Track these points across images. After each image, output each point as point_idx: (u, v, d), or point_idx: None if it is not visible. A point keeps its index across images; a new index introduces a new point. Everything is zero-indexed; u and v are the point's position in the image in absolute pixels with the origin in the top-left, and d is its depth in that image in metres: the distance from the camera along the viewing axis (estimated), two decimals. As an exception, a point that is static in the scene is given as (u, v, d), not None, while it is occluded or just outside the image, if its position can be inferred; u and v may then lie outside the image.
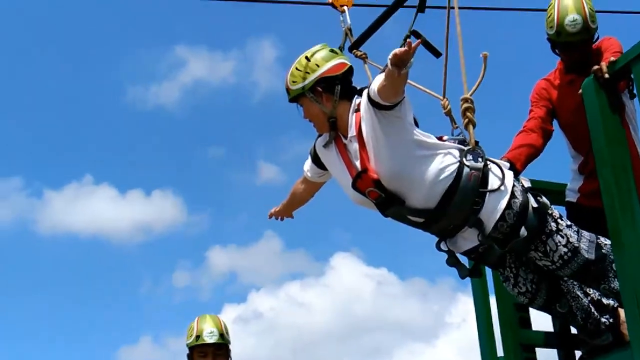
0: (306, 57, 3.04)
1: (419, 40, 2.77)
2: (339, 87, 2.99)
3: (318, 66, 3.01)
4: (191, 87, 18.37)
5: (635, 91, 3.17)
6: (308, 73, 3.00)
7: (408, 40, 2.69)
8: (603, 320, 3.12)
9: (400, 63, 2.66)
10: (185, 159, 18.33)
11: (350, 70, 3.06)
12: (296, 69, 3.04)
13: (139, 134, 18.22)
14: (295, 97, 3.05)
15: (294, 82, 3.03)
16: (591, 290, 3.13)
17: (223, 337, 3.89)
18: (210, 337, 3.85)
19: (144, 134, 18.26)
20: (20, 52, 17.15)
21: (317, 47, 3.08)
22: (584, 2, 3.50)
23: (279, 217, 3.51)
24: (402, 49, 2.66)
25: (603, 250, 2.99)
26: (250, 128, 18.49)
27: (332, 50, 3.08)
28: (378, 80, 2.82)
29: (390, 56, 2.68)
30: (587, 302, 3.12)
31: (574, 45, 3.53)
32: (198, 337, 3.88)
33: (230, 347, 3.98)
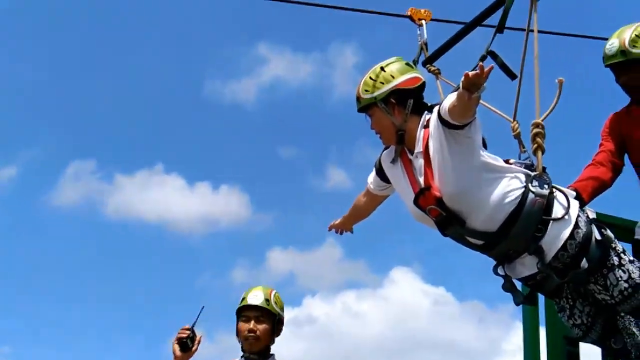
0: (381, 68, 3.03)
1: (491, 66, 2.73)
2: (411, 101, 2.99)
3: (393, 77, 3.00)
4: (269, 85, 18.56)
5: None
6: (382, 83, 2.99)
7: (480, 64, 2.65)
8: None
9: (472, 87, 2.64)
10: (256, 157, 18.51)
11: (423, 86, 3.05)
12: (370, 78, 3.03)
13: (213, 128, 18.50)
14: (366, 107, 3.04)
15: (366, 91, 3.02)
16: None
17: (268, 302, 3.66)
18: (253, 299, 3.67)
19: (218, 128, 18.53)
20: (108, 40, 17.63)
21: (393, 59, 3.08)
22: (632, 27, 3.54)
23: (339, 231, 3.53)
24: (475, 72, 2.63)
25: None
26: (324, 131, 18.54)
27: (407, 64, 3.08)
28: (450, 99, 2.80)
29: (462, 78, 2.65)
30: None
31: (613, 68, 3.57)
32: (243, 299, 3.72)
33: (282, 327, 3.75)
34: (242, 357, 3.70)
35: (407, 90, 2.99)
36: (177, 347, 3.47)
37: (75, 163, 17.96)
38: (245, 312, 3.67)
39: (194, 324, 3.54)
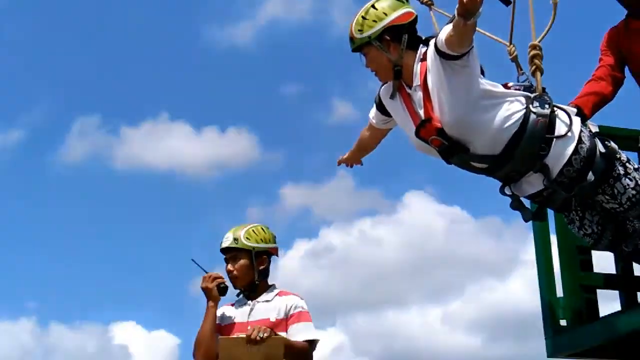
0: (372, 5, 3.00)
1: None
2: (406, 37, 2.97)
3: (385, 15, 2.98)
4: (267, 26, 18.39)
5: None
6: (375, 21, 2.97)
7: None
8: None
9: (468, 13, 2.63)
10: (260, 97, 18.46)
11: (415, 20, 3.04)
12: (362, 17, 2.99)
13: (215, 73, 18.43)
14: (360, 46, 3.02)
15: (359, 30, 2.99)
16: None
17: (237, 241, 3.79)
18: (223, 243, 3.83)
19: (219, 72, 18.46)
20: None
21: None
22: None
23: (349, 164, 3.56)
24: None
25: None
26: (325, 66, 18.41)
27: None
28: (446, 30, 2.81)
29: (457, 5, 2.65)
30: None
31: None
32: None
33: (273, 255, 3.90)
34: (237, 294, 3.89)
35: (400, 26, 2.98)
36: (216, 292, 3.73)
37: (80, 120, 18.15)
38: (224, 256, 3.86)
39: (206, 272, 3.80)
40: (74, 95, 18.24)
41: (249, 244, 3.80)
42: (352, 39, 3.05)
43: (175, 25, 18.25)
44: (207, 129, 18.84)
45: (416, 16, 3.06)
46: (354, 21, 3.03)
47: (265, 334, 3.49)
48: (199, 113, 18.67)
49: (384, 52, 2.99)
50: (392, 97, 3.09)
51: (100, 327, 15.52)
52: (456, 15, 2.68)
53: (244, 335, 3.53)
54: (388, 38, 2.99)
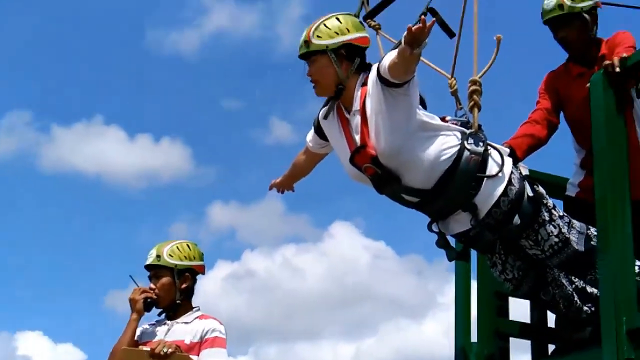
0: (337, 19, 3.00)
1: (433, 20, 2.74)
2: (358, 60, 2.98)
3: (348, 31, 2.97)
4: (213, 36, 18.22)
5: None
6: (337, 34, 2.96)
7: (422, 17, 2.64)
8: (585, 308, 3.15)
9: (414, 42, 2.63)
10: (199, 109, 18.24)
11: (367, 47, 3.05)
12: (324, 25, 2.98)
13: (155, 79, 18.15)
14: (312, 53, 2.98)
15: (319, 37, 2.96)
16: (576, 278, 3.16)
17: (159, 258, 3.71)
18: (147, 259, 3.76)
19: (160, 79, 18.19)
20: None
21: (346, 13, 3.06)
22: None
23: (280, 190, 3.51)
24: (417, 26, 2.61)
25: (592, 242, 3.01)
26: (268, 84, 18.35)
27: (360, 22, 3.08)
28: (390, 57, 2.79)
29: (405, 33, 2.64)
30: (571, 290, 3.15)
31: (552, 23, 3.60)
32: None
33: (199, 275, 3.80)
34: (158, 314, 3.78)
35: (357, 47, 2.98)
36: (141, 305, 3.64)
37: (11, 114, 17.43)
38: (148, 273, 3.77)
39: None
40: (5, 88, 17.50)
41: (171, 262, 3.71)
42: (307, 42, 2.99)
43: (119, 26, 17.86)
44: (141, 137, 18.45)
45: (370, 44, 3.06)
46: (314, 26, 2.99)
47: (170, 350, 3.40)
48: (134, 119, 18.25)
49: (336, 66, 2.95)
50: (326, 116, 3.06)
51: (5, 335, 14.74)
52: (403, 43, 2.66)
53: (148, 349, 3.44)
54: (343, 54, 2.97)
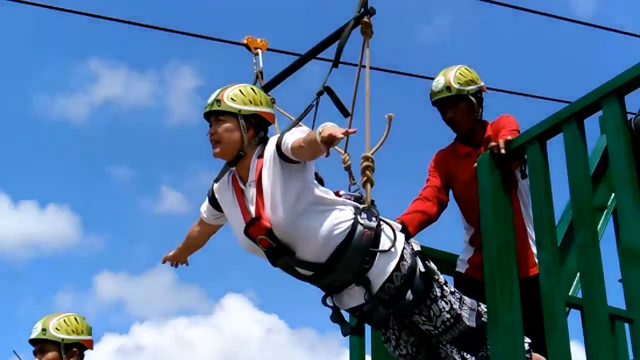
0: (252, 89, 3.08)
1: (354, 129, 2.77)
2: (262, 133, 3.05)
3: (261, 103, 3.05)
4: (103, 103, 17.89)
5: (527, 171, 3.28)
6: (251, 102, 3.02)
7: (348, 130, 2.69)
8: None
9: (332, 143, 2.66)
10: (87, 176, 17.72)
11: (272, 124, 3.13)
12: (240, 90, 3.04)
13: (41, 145, 17.55)
14: (220, 112, 3.00)
15: (232, 99, 3.01)
16: (468, 355, 3.17)
17: (45, 331, 3.61)
18: (32, 333, 3.65)
19: (46, 145, 17.61)
20: None
21: (258, 87, 3.17)
22: (456, 68, 3.77)
23: (174, 263, 3.44)
24: (341, 132, 2.61)
25: (483, 319, 3.05)
26: (159, 152, 18.10)
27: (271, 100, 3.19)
28: (294, 137, 2.83)
29: (324, 134, 2.62)
30: None
31: (440, 104, 3.75)
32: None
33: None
34: None
35: (264, 121, 3.06)
36: None
37: None
38: (33, 347, 3.64)
39: None
40: None
41: (58, 335, 3.60)
42: (218, 101, 3.02)
43: (3, 90, 17.16)
44: (26, 203, 17.61)
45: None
46: (229, 89, 3.05)
47: None
48: (19, 185, 17.44)
49: (243, 131, 2.98)
50: (217, 180, 3.07)
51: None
52: (318, 139, 2.65)
53: None
54: (252, 122, 3.01)
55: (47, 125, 17.26)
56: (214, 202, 3.15)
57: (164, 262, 3.45)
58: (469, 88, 3.71)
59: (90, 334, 3.72)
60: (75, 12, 4.75)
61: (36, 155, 17.33)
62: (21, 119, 17.27)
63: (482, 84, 3.80)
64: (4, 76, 17.24)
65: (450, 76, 3.72)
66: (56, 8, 4.73)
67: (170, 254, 3.42)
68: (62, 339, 3.59)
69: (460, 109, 3.72)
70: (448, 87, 3.70)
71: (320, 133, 2.65)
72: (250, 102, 3.03)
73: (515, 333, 2.73)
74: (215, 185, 3.11)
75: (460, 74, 3.73)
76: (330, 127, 2.65)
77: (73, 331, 3.63)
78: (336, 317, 3.04)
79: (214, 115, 3.01)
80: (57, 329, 3.60)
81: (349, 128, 3.16)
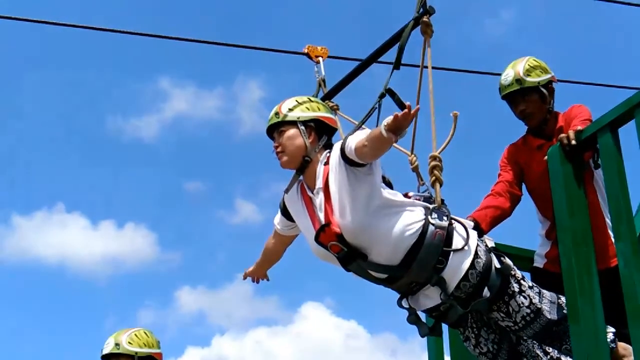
0: (308, 98, 3.13)
1: (418, 107, 2.76)
2: (325, 138, 3.06)
3: (319, 109, 3.09)
4: (173, 121, 18.29)
5: (600, 162, 3.21)
6: (308, 109, 3.06)
7: (408, 103, 2.65)
8: None
9: (398, 130, 2.64)
10: (162, 193, 18.09)
11: (336, 130, 3.15)
12: (296, 101, 3.09)
13: (116, 165, 17.99)
14: (281, 123, 3.03)
15: (290, 109, 3.05)
16: (550, 349, 3.12)
17: (118, 346, 3.72)
18: (104, 349, 3.76)
19: (121, 165, 18.04)
20: (6, 76, 16.92)
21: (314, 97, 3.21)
22: (524, 59, 3.69)
23: (255, 279, 3.49)
24: (404, 112, 2.61)
25: (564, 311, 2.99)
26: (230, 165, 18.35)
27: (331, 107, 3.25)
28: (357, 138, 2.81)
29: (388, 121, 2.63)
30: None
31: (510, 97, 3.69)
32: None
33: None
34: None
35: (326, 125, 3.08)
36: None
37: None
38: None
39: None
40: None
41: (132, 349, 3.70)
42: (277, 113, 3.07)
43: (79, 113, 17.76)
44: (104, 223, 18.17)
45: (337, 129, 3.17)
46: (285, 102, 3.09)
47: None
48: (96, 206, 18.00)
49: (304, 137, 3.01)
50: (287, 190, 3.08)
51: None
52: (383, 130, 2.64)
53: None
54: (312, 127, 3.04)
55: (121, 145, 17.73)
56: (285, 213, 3.17)
57: (244, 278, 3.49)
58: (539, 79, 3.65)
59: (159, 348, 3.81)
60: (141, 35, 4.91)
61: (112, 177, 17.83)
62: (96, 142, 17.78)
63: (552, 74, 3.73)
64: (81, 99, 17.81)
65: (519, 68, 3.66)
66: (130, 32, 4.91)
67: (250, 269, 3.46)
68: (136, 352, 3.69)
69: (532, 101, 3.67)
70: (518, 80, 3.65)
71: (384, 125, 2.65)
72: (308, 109, 3.06)
73: (597, 326, 2.68)
74: (286, 196, 3.13)
75: (529, 65, 3.67)
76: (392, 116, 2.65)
77: (145, 344, 3.72)
78: (413, 319, 3.02)
79: (276, 129, 3.05)
80: (130, 342, 3.70)
81: (414, 126, 3.16)
